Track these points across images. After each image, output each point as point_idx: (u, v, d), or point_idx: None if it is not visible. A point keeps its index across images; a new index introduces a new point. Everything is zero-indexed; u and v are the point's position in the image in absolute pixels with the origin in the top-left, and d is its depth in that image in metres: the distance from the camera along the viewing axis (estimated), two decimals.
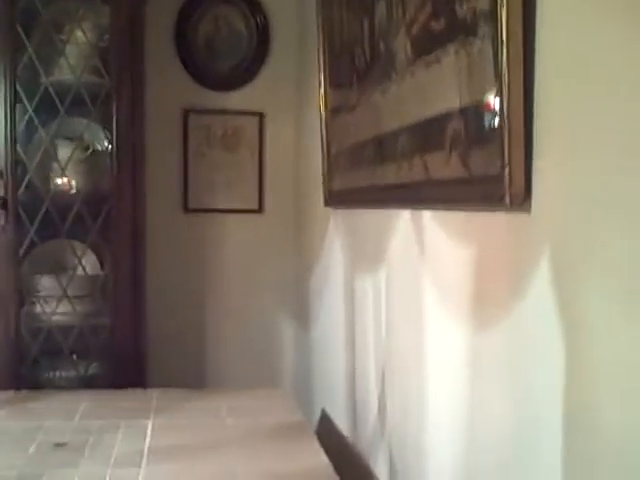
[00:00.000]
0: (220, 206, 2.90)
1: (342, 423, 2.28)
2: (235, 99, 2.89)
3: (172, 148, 2.86)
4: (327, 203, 2.32)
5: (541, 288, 1.11)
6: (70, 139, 2.60)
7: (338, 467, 1.67)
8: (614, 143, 0.94)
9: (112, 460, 1.67)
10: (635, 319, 0.90)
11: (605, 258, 0.96)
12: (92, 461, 1.67)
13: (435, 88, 1.41)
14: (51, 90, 2.48)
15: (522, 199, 1.14)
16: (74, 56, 2.55)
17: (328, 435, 2.36)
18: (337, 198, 2.24)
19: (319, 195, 2.37)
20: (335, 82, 2.17)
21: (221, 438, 1.84)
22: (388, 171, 1.71)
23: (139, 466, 1.63)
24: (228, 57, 2.89)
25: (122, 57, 2.50)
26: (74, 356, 2.64)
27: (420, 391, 1.61)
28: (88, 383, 2.56)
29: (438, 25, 1.38)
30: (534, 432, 1.13)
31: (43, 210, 2.48)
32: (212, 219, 2.89)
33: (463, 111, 1.29)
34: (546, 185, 1.11)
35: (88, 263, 2.68)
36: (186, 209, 2.88)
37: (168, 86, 2.83)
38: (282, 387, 2.47)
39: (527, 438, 1.16)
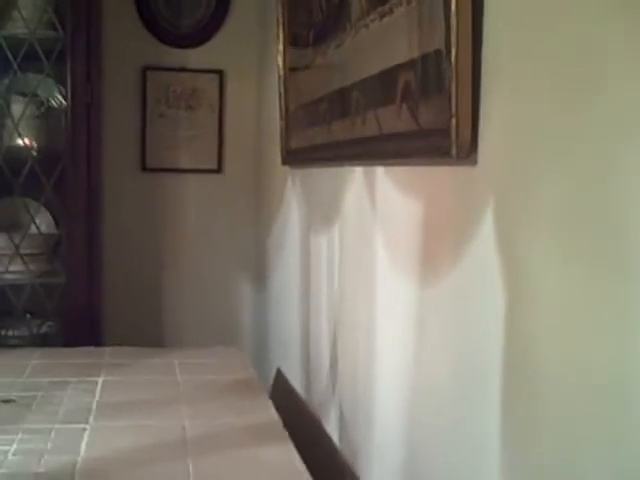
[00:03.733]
0: (179, 165, 2.85)
1: (297, 381, 2.28)
2: (195, 57, 2.83)
3: (130, 106, 2.81)
4: (284, 162, 2.30)
5: (485, 240, 1.11)
6: (24, 95, 2.54)
7: (291, 425, 1.66)
8: (559, 95, 0.93)
9: (59, 416, 1.65)
10: (572, 269, 0.90)
11: (545, 207, 0.96)
12: (38, 417, 1.64)
13: (388, 40, 1.39)
14: (4, 44, 2.42)
15: (468, 151, 1.13)
16: (28, 9, 2.48)
17: (283, 393, 2.36)
18: (294, 157, 2.21)
19: (277, 154, 2.34)
20: (293, 38, 2.13)
21: (171, 394, 1.82)
22: (342, 127, 1.69)
23: (86, 422, 1.61)
24: (188, 14, 2.83)
25: (78, 11, 2.43)
26: (28, 315, 2.61)
27: (369, 348, 1.61)
28: (42, 342, 2.54)
29: None
30: (476, 378, 1.14)
31: None
32: (170, 179, 2.85)
33: (414, 63, 1.28)
34: (492, 137, 1.10)
35: (43, 222, 2.64)
36: (144, 168, 2.83)
37: (126, 43, 2.77)
38: (238, 345, 2.45)
39: (469, 386, 1.16)
